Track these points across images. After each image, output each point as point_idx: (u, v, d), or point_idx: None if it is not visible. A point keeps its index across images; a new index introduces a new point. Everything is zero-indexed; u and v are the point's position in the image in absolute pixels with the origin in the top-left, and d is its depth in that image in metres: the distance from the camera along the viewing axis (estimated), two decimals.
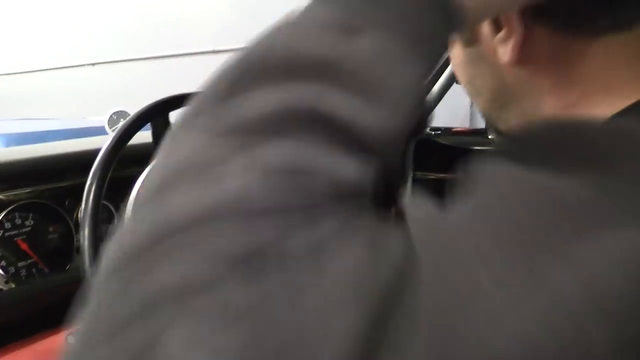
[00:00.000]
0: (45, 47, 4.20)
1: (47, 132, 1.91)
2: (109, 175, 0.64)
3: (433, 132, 1.65)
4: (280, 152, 0.22)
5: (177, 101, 0.73)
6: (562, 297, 0.18)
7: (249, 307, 0.18)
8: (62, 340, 0.83)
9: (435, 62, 0.31)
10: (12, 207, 0.83)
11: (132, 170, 0.96)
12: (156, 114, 0.72)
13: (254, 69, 0.26)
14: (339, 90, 0.25)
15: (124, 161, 0.95)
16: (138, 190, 0.68)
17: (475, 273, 0.18)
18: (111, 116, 1.28)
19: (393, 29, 0.27)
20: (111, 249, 0.22)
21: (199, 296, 0.19)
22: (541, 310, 0.17)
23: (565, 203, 0.21)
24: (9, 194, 0.82)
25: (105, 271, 0.21)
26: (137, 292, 0.20)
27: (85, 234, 0.61)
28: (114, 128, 1.28)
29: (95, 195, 0.62)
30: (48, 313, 0.86)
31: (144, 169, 0.97)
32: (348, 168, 0.23)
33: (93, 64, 4.05)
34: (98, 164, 0.64)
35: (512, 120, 0.42)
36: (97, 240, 0.62)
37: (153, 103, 0.72)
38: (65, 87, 3.97)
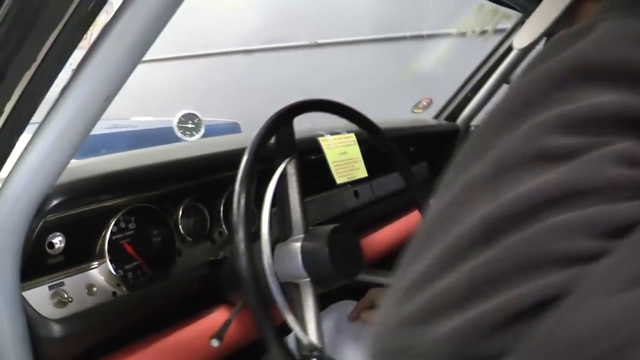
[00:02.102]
0: None
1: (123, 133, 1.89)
2: (254, 183, 0.66)
3: None
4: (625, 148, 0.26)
5: (300, 108, 0.76)
6: None
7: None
8: (178, 340, 0.84)
9: None
10: (123, 211, 0.84)
11: (223, 174, 0.98)
12: (284, 122, 0.74)
13: (583, 72, 0.29)
14: None
15: (214, 167, 0.97)
16: None
17: None
18: (180, 118, 1.29)
19: None
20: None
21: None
22: None
23: None
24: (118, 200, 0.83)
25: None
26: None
27: (240, 237, 0.63)
28: (182, 130, 1.29)
29: (245, 202, 0.64)
30: (157, 317, 0.87)
31: (233, 173, 0.99)
32: None
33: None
34: (242, 174, 0.66)
35: None
36: (250, 243, 0.63)
37: (280, 111, 0.74)
38: None
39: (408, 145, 1.57)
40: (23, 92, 0.53)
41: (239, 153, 1.05)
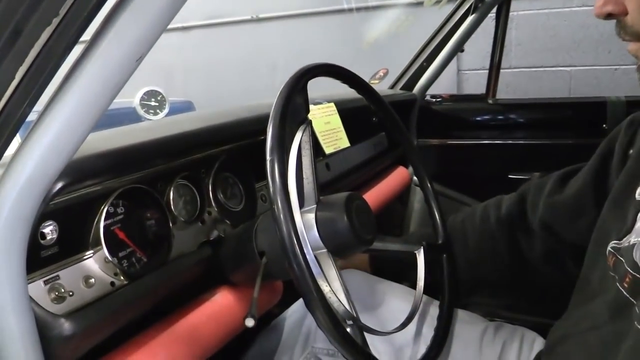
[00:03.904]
0: None
1: None
2: (286, 151, 0.63)
3: (434, 100, 1.71)
4: None
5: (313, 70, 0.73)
6: None
7: None
8: (189, 326, 0.79)
9: None
10: (117, 192, 0.77)
11: (209, 151, 0.93)
12: (301, 85, 0.71)
13: None
14: None
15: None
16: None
17: None
18: (142, 96, 1.21)
19: None
20: None
21: None
22: None
23: None
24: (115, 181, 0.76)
25: None
26: None
27: (279, 207, 0.59)
28: (146, 108, 1.20)
29: (279, 171, 0.60)
30: (160, 305, 0.81)
31: (218, 150, 0.94)
32: None
33: None
34: (272, 142, 0.61)
35: None
36: (291, 212, 0.60)
37: (299, 73, 0.70)
38: None
39: (370, 116, 1.57)
40: (40, 52, 0.46)
41: (222, 129, 1.00)
